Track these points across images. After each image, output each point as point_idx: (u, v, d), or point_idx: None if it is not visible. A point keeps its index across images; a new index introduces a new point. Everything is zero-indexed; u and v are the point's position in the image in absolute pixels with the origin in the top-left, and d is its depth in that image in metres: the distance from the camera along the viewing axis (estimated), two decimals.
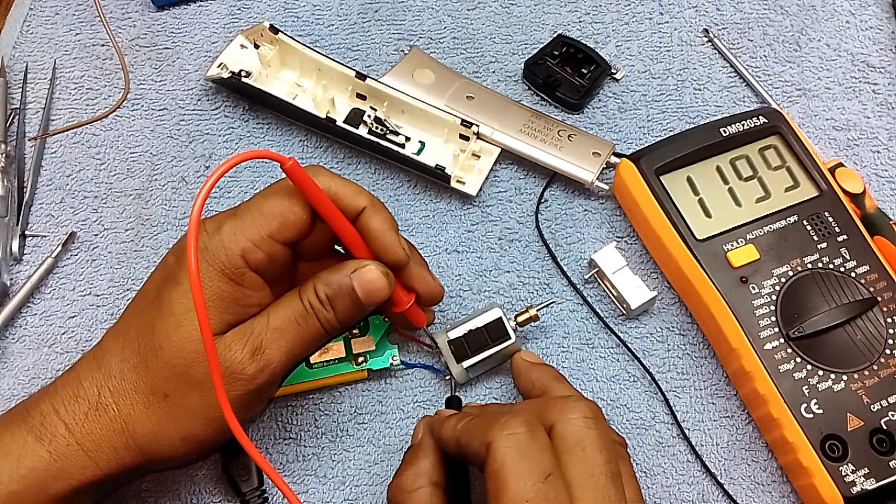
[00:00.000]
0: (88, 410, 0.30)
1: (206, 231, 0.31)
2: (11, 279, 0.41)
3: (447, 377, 0.38)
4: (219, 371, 0.28)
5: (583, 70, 0.45)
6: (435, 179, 0.42)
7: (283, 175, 0.30)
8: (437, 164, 0.41)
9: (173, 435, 0.30)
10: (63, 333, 0.40)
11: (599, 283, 0.40)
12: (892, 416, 0.34)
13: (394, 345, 0.38)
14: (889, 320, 0.36)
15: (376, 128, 0.43)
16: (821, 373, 0.35)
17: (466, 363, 0.37)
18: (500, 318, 0.37)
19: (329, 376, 0.37)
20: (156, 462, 0.31)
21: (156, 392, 0.30)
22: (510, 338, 0.37)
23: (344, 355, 0.37)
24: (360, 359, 0.37)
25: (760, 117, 0.40)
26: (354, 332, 0.38)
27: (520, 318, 0.38)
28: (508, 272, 0.41)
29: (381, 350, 0.38)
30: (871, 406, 0.34)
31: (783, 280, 0.37)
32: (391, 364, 0.37)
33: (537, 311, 0.38)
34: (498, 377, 0.39)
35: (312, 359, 0.37)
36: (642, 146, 0.42)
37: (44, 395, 0.31)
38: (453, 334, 0.37)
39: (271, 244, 0.31)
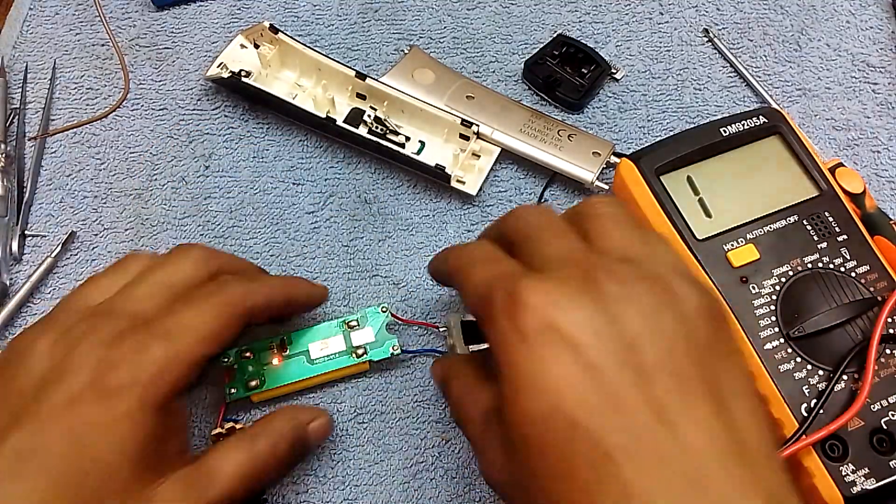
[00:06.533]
0: None
1: (133, 360, 0.27)
2: (11, 279, 0.41)
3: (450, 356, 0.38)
4: None
5: (583, 70, 0.45)
6: (435, 179, 0.42)
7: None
8: (437, 164, 0.41)
9: None
10: None
11: None
12: (893, 416, 0.34)
13: (394, 335, 0.38)
14: (889, 320, 0.36)
15: (376, 127, 0.43)
16: (821, 373, 0.35)
17: (474, 347, 0.37)
18: None
19: (331, 371, 0.37)
20: None
21: None
22: None
23: (344, 348, 0.37)
24: (361, 351, 0.37)
25: (760, 117, 0.40)
26: (353, 324, 0.38)
27: None
28: None
29: (381, 341, 0.37)
30: (871, 406, 0.34)
31: (783, 280, 0.37)
32: (392, 354, 0.37)
33: None
34: None
35: (313, 354, 0.37)
36: (642, 146, 0.42)
37: None
38: (469, 318, 0.37)
39: (206, 361, 0.30)
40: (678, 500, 0.20)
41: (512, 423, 0.23)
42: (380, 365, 0.38)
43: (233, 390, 0.36)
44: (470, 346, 0.37)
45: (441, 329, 0.39)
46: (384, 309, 0.38)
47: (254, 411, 0.37)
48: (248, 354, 0.37)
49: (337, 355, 0.37)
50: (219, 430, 0.35)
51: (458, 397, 0.28)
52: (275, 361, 0.37)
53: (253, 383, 0.36)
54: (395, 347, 0.37)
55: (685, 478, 0.20)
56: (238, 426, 0.35)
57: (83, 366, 0.27)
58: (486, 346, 0.37)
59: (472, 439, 0.27)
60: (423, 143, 0.44)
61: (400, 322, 0.39)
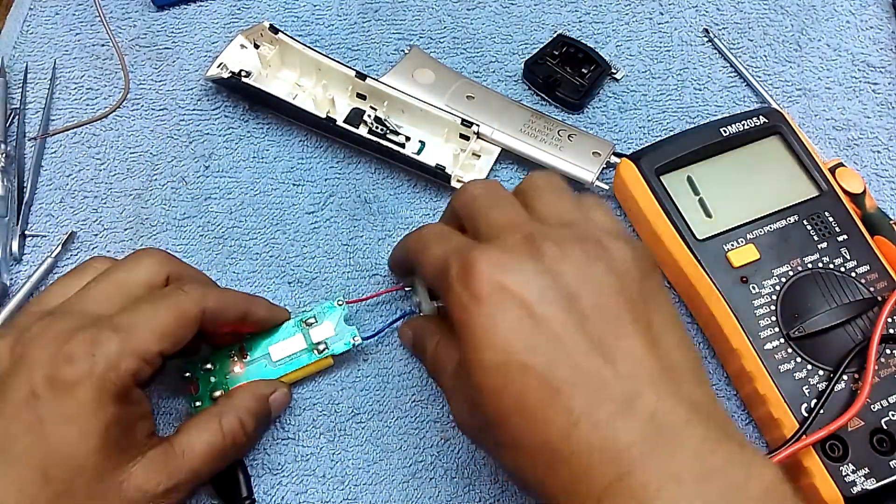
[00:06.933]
0: None
1: (86, 353, 0.28)
2: (11, 279, 0.41)
3: (418, 314, 0.38)
4: None
5: (583, 70, 0.45)
6: (435, 179, 0.42)
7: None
8: (437, 164, 0.41)
9: None
10: None
11: None
12: (893, 416, 0.34)
13: (352, 326, 0.38)
14: (889, 320, 0.36)
15: (376, 127, 0.43)
16: (821, 373, 0.35)
17: (439, 302, 0.37)
18: None
19: (295, 371, 0.37)
20: None
21: None
22: None
23: (305, 346, 0.37)
24: (322, 346, 0.37)
25: (760, 117, 0.40)
26: (311, 321, 0.38)
27: None
28: None
29: (340, 334, 0.37)
30: (872, 406, 0.34)
31: (783, 280, 0.37)
32: (353, 345, 0.37)
33: None
34: None
35: (275, 356, 0.37)
36: (642, 146, 0.42)
37: None
38: None
39: (161, 359, 0.30)
40: (614, 417, 0.24)
41: (471, 375, 0.26)
42: (380, 363, 0.38)
43: (198, 403, 0.36)
44: (435, 302, 0.37)
45: (406, 289, 0.39)
46: (340, 302, 0.38)
47: None
48: (208, 366, 0.37)
49: (298, 354, 0.37)
50: None
51: (432, 354, 0.32)
52: (237, 369, 0.37)
53: (217, 394, 0.36)
54: (356, 338, 0.37)
55: (620, 398, 0.24)
56: None
57: (39, 361, 0.28)
58: None
59: (445, 390, 0.30)
60: (423, 143, 0.44)
61: (357, 303, 0.39)
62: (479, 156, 0.43)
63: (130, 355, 0.29)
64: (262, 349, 0.37)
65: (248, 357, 0.37)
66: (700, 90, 0.46)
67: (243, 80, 0.43)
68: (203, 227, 0.42)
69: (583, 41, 0.47)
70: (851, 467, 0.33)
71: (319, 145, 0.45)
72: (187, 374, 0.36)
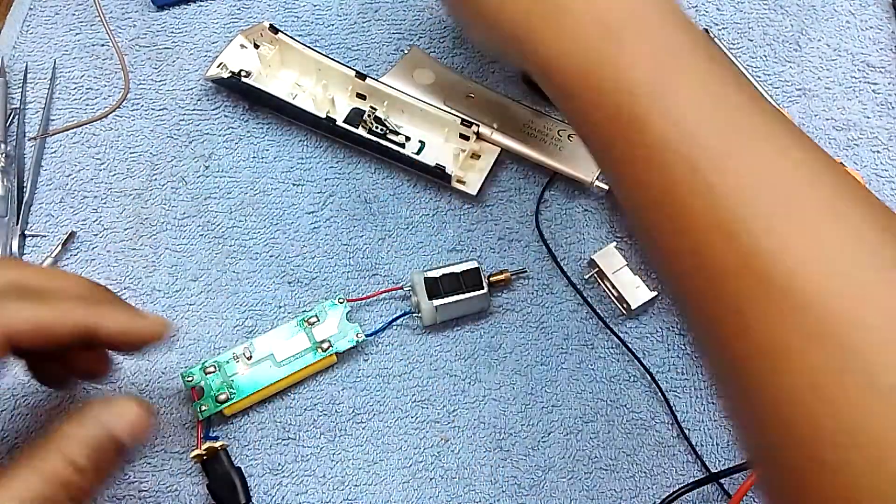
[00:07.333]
0: None
1: None
2: None
3: (416, 314, 0.39)
4: None
5: None
6: (435, 179, 0.42)
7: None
8: (437, 164, 0.41)
9: None
10: None
11: (599, 283, 0.40)
12: None
13: (354, 323, 0.38)
14: None
15: (376, 127, 0.43)
16: None
17: (437, 301, 0.38)
18: (477, 267, 0.39)
19: (299, 370, 0.37)
20: None
21: None
22: (483, 288, 0.38)
23: (309, 345, 0.37)
24: (326, 345, 0.37)
25: None
26: (313, 320, 0.38)
27: (493, 279, 0.39)
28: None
29: (343, 331, 0.38)
30: None
31: None
32: (356, 342, 0.38)
33: (511, 275, 0.40)
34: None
35: (279, 356, 0.37)
36: None
37: None
38: (430, 274, 0.38)
39: None
40: None
41: None
42: (380, 363, 0.38)
43: (203, 408, 0.36)
44: (433, 301, 0.37)
45: (406, 288, 0.39)
46: (341, 301, 0.38)
47: (230, 426, 0.37)
48: (211, 370, 0.37)
49: (303, 353, 0.37)
50: (198, 451, 0.35)
51: None
52: (241, 371, 0.37)
53: (222, 397, 0.36)
54: (359, 335, 0.38)
55: None
56: (217, 445, 0.35)
57: None
58: (448, 300, 0.38)
59: None
60: (423, 143, 0.44)
61: (358, 301, 0.39)
62: (479, 156, 0.43)
63: None
64: (265, 350, 0.37)
65: (252, 358, 0.37)
66: None
67: (243, 80, 0.43)
68: (203, 227, 0.42)
69: None
70: None
71: (319, 145, 0.45)
72: (189, 379, 0.37)
